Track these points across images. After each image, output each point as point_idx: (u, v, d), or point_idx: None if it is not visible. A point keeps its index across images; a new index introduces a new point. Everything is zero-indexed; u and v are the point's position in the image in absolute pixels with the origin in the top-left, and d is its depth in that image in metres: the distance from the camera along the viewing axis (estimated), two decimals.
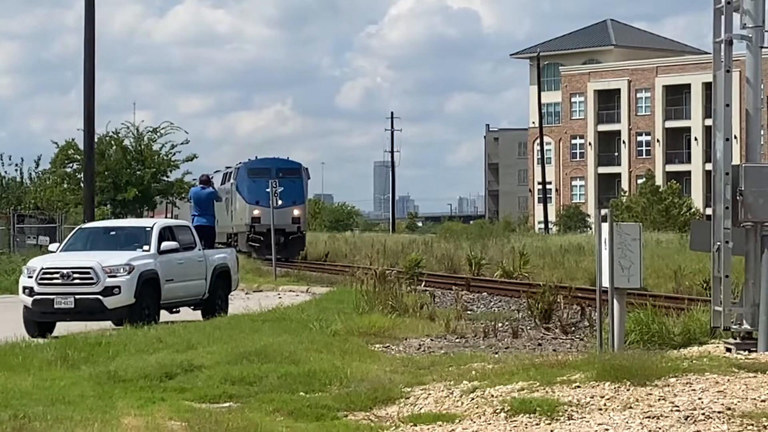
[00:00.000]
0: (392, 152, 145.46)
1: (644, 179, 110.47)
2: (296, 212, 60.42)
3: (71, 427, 11.94)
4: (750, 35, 15.75)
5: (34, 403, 13.41)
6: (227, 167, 69.01)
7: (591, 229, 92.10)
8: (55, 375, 16.01)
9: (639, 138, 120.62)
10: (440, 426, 11.71)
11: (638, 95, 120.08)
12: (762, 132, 16.57)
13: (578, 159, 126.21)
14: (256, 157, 63.93)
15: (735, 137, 16.57)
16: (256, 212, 58.94)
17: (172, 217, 59.64)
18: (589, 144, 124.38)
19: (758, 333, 15.00)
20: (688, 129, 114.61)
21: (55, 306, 24.38)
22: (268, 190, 56.17)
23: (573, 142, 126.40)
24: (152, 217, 57.31)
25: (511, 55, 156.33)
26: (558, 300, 24.44)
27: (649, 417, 11.42)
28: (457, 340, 20.86)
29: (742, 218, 15.39)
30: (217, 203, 41.13)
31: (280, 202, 56.44)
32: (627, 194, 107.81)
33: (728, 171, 15.56)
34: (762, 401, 11.84)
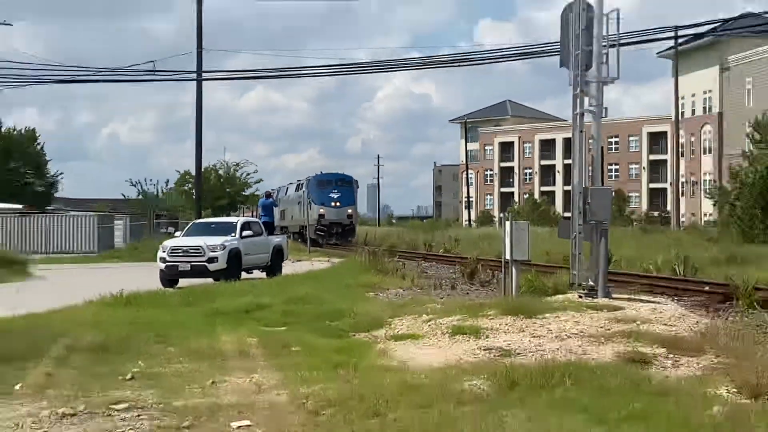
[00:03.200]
0: (378, 178, 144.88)
1: (527, 196, 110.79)
2: (349, 211, 55.08)
3: (191, 338, 11.99)
4: (594, 110, 15.81)
5: (169, 326, 13.44)
6: (299, 180, 62.09)
7: (496, 224, 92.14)
8: (180, 310, 16.02)
9: (525, 171, 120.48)
10: (411, 341, 11.76)
11: (525, 145, 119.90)
12: (603, 169, 16.60)
13: (489, 183, 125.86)
14: (321, 172, 57.90)
15: (580, 173, 16.58)
16: (321, 211, 53.53)
17: (255, 217, 58.00)
18: (495, 174, 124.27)
19: (597, 287, 15.09)
20: (553, 165, 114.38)
21: (179, 269, 24.32)
22: (331, 195, 53.36)
23: (486, 173, 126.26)
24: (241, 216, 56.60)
25: (449, 120, 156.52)
26: (478, 267, 24.44)
27: (533, 336, 11.49)
28: (419, 291, 20.70)
29: (588, 219, 15.45)
30: (275, 208, 40.92)
31: (339, 204, 53.53)
32: (517, 205, 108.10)
33: (581, 191, 15.62)
34: (600, 327, 11.91)
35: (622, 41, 16.63)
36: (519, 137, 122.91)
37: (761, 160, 36.62)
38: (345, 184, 55.29)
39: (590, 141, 16.28)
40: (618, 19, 15.74)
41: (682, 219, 72.46)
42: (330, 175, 56.34)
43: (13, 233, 44.03)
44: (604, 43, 15.64)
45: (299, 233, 55.76)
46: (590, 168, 16.32)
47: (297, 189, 59.64)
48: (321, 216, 53.00)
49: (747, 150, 38.69)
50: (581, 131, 16.09)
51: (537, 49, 36.19)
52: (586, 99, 15.94)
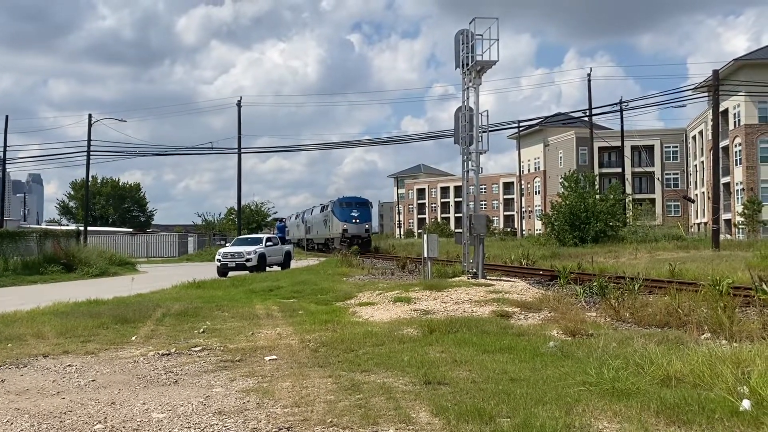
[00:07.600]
0: None
1: (433, 220, 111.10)
2: (366, 226, 43.18)
3: (237, 307, 11.72)
4: (474, 169, 15.94)
5: (224, 300, 13.13)
6: (322, 203, 49.82)
7: (416, 237, 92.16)
8: (230, 290, 15.69)
9: (431, 205, 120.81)
10: (369, 306, 11.61)
11: (431, 190, 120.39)
12: (479, 203, 16.68)
13: (410, 212, 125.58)
14: (344, 196, 45.41)
15: (467, 206, 16.60)
16: (344, 226, 42.33)
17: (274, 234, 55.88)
18: (414, 207, 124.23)
19: (478, 272, 15.13)
20: (448, 202, 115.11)
21: (228, 266, 23.89)
22: (352, 214, 42.97)
23: (408, 207, 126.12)
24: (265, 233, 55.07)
25: (387, 176, 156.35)
26: (407, 262, 24.30)
27: (442, 302, 11.42)
28: (372, 276, 20.50)
29: (472, 232, 15.53)
30: (287, 228, 39.95)
31: (358, 221, 43.02)
32: (427, 225, 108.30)
33: (468, 215, 15.71)
34: (481, 296, 11.87)
35: (489, 129, 16.82)
36: (428, 185, 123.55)
37: (568, 198, 37.41)
38: (363, 205, 44.46)
39: (471, 187, 16.41)
40: (487, 116, 16.06)
41: (523, 232, 73.56)
42: (350, 198, 45.40)
43: (126, 246, 43.39)
44: (479, 130, 15.84)
45: (324, 244, 46.47)
46: (472, 202, 16.44)
47: (321, 210, 48.95)
48: (345, 231, 42.57)
49: (560, 192, 39.51)
50: (467, 182, 16.21)
51: (439, 133, 36.91)
52: (470, 162, 16.09)
